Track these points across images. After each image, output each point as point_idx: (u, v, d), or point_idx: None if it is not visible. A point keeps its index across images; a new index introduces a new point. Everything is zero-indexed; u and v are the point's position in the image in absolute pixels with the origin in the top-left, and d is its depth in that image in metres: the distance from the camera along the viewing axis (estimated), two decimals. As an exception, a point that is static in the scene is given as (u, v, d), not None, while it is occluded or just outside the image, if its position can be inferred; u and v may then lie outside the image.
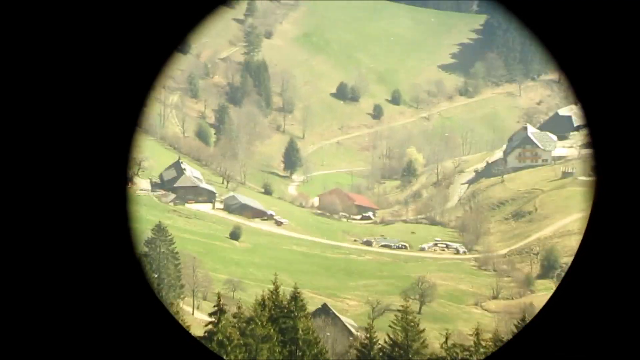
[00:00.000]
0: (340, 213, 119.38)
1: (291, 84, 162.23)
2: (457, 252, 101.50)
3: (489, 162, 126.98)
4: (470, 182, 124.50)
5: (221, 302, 30.35)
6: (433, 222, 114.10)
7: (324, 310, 64.57)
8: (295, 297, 34.01)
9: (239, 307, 32.05)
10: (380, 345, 42.24)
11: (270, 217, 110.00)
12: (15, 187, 11.01)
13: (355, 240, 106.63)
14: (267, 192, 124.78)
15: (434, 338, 46.67)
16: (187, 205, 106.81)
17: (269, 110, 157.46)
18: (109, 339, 10.89)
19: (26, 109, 11.06)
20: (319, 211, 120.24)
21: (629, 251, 11.06)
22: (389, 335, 45.02)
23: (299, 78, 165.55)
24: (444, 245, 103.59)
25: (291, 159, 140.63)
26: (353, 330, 61.65)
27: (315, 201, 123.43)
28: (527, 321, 41.58)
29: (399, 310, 45.43)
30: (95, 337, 10.89)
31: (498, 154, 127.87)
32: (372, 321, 50.60)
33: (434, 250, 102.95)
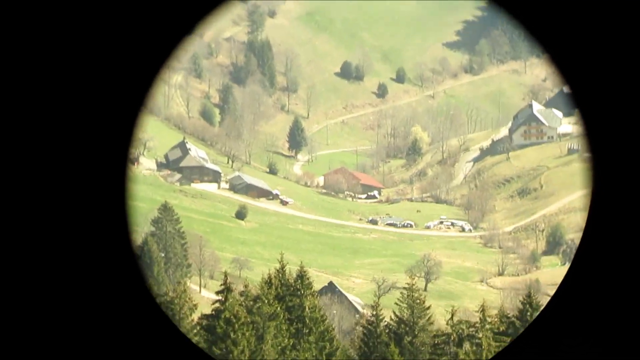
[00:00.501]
0: (346, 192, 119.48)
1: (295, 63, 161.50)
2: (463, 230, 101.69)
3: (494, 139, 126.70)
4: (476, 160, 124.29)
5: (228, 281, 30.57)
6: (438, 201, 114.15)
7: (330, 288, 64.94)
8: (302, 275, 34.22)
9: (245, 286, 32.29)
10: (386, 322, 42.51)
11: (275, 197, 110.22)
12: (20, 175, 11.06)
13: (360, 219, 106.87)
14: (272, 171, 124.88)
15: (439, 315, 46.96)
16: (192, 185, 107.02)
17: (273, 89, 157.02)
18: (103, 335, 10.98)
19: (35, 91, 11.08)
20: (324, 190, 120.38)
21: (631, 242, 11.00)
22: (394, 313, 45.29)
23: (302, 57, 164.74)
24: (450, 223, 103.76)
25: (296, 139, 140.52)
26: (359, 307, 62.04)
27: (321, 180, 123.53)
28: (533, 298, 41.74)
29: (404, 288, 45.62)
30: (90, 333, 10.98)
31: (503, 132, 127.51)
32: (378, 299, 50.92)
33: (440, 228, 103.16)
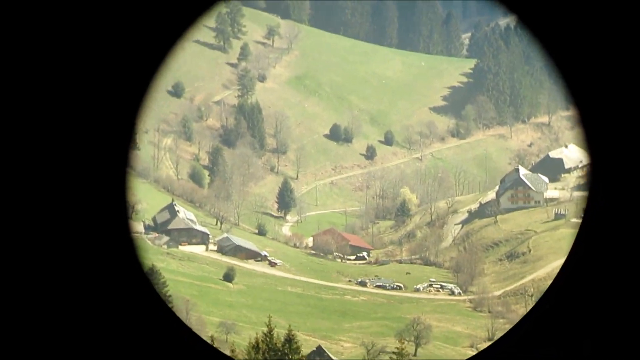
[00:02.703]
0: (335, 253, 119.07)
1: (285, 125, 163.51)
2: (452, 293, 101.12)
3: (482, 202, 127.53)
4: (464, 222, 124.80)
5: (215, 346, 30.22)
6: (427, 263, 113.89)
7: (319, 352, 64.04)
8: (290, 339, 33.86)
9: (232, 351, 31.91)
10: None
11: (264, 258, 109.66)
12: (14, 199, 11.13)
13: (349, 281, 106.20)
14: (261, 232, 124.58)
15: (430, 381, 46.33)
16: (180, 247, 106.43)
17: (263, 151, 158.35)
18: (110, 339, 10.92)
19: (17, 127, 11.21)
20: (313, 251, 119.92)
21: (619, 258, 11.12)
22: (384, 379, 44.44)
23: (292, 120, 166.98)
24: (439, 286, 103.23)
25: (285, 200, 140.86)
26: (348, 373, 60.98)
27: (310, 241, 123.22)
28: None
29: (394, 353, 45.15)
30: (99, 338, 10.93)
31: (491, 195, 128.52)
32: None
33: (429, 291, 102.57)
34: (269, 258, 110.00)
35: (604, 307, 10.93)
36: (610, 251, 11.17)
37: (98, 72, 11.20)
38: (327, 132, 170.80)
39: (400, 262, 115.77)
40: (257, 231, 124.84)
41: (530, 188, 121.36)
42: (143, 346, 11.05)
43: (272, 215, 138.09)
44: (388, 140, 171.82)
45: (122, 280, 11.21)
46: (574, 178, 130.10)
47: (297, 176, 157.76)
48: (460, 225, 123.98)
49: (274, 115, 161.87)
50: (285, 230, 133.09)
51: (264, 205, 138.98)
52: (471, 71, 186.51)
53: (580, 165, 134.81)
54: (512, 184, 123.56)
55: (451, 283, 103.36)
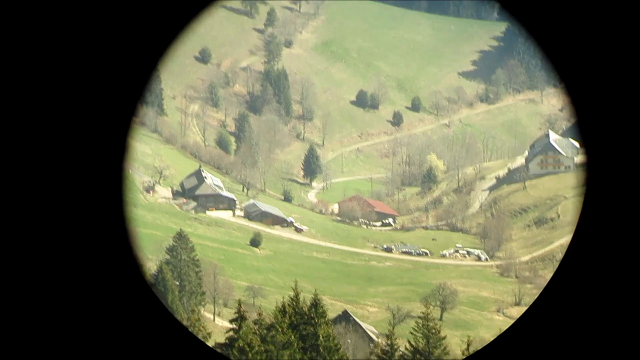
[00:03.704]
0: (360, 220, 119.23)
1: (311, 92, 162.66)
2: (479, 259, 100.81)
3: (511, 168, 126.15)
4: (492, 188, 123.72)
5: (242, 309, 30.50)
6: (454, 229, 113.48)
7: (345, 316, 64.49)
8: (316, 303, 34.03)
9: (259, 314, 32.19)
10: (401, 352, 41.97)
11: (290, 224, 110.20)
12: (15, 191, 11.16)
13: (375, 247, 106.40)
14: (287, 199, 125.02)
15: (455, 345, 46.41)
16: (207, 212, 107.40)
17: (289, 118, 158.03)
18: (111, 341, 10.98)
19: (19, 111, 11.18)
20: (339, 218, 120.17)
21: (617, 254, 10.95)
22: (409, 342, 44.74)
23: (318, 86, 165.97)
24: (465, 252, 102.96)
25: (311, 166, 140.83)
26: (374, 336, 61.49)
27: (335, 208, 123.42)
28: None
29: (419, 317, 45.17)
30: (100, 340, 11.00)
31: (520, 161, 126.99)
32: (393, 328, 50.38)
33: (455, 257, 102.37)
34: (295, 224, 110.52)
35: (602, 306, 10.65)
36: (607, 249, 10.89)
37: (98, 68, 11.07)
38: (353, 98, 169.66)
39: (426, 228, 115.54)
40: (283, 197, 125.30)
41: (560, 153, 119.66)
42: (138, 343, 11.04)
43: (298, 182, 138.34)
44: (415, 107, 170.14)
45: (119, 278, 11.20)
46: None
47: (323, 143, 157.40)
48: (488, 192, 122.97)
49: (300, 82, 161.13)
50: (311, 196, 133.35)
51: (290, 172, 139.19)
52: (502, 35, 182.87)
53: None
54: (542, 149, 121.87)
55: (478, 249, 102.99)
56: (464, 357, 38.52)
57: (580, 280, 11.05)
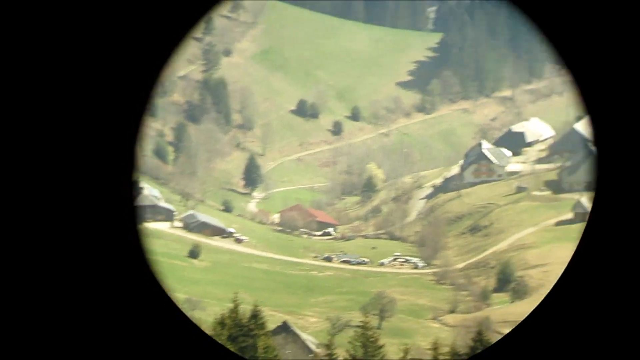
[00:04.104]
0: (301, 229, 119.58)
1: (250, 101, 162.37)
2: (416, 267, 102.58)
3: (447, 177, 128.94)
4: (429, 197, 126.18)
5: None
6: (393, 237, 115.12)
7: (284, 327, 64.57)
8: (255, 315, 34.07)
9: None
10: (339, 362, 42.22)
11: (230, 235, 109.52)
12: (16, 191, 11.03)
13: (315, 257, 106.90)
14: (227, 209, 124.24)
15: (393, 353, 47.18)
16: (145, 224, 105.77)
17: (229, 127, 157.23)
18: (113, 337, 10.93)
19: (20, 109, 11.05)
20: (279, 228, 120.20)
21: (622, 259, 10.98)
22: (348, 352, 45.24)
23: (258, 95, 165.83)
24: (403, 260, 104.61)
25: (251, 176, 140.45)
26: (313, 347, 61.76)
27: (276, 218, 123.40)
28: (483, 336, 42.35)
29: (358, 326, 45.84)
30: (102, 336, 10.93)
31: (455, 170, 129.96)
32: (332, 337, 50.83)
33: (394, 265, 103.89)
34: (235, 234, 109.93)
35: (607, 308, 10.86)
36: (615, 251, 11.08)
37: (101, 68, 11.09)
38: (293, 107, 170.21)
39: (366, 237, 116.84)
40: (223, 208, 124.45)
41: (492, 162, 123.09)
42: (146, 340, 11.06)
43: (238, 192, 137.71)
44: (355, 116, 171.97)
45: (126, 274, 11.20)
46: (535, 151, 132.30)
47: (264, 152, 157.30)
48: (425, 200, 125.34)
49: (240, 91, 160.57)
50: (252, 206, 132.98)
51: (230, 182, 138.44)
52: (437, 45, 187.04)
53: (541, 139, 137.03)
54: (475, 158, 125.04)
55: (415, 257, 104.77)
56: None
57: (587, 282, 11.16)
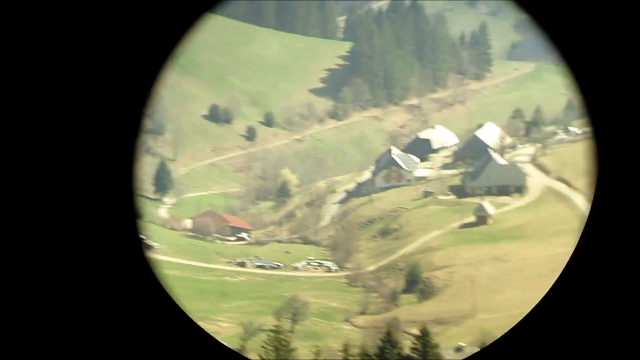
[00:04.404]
0: (214, 235, 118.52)
1: (160, 105, 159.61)
2: (329, 270, 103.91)
3: (359, 182, 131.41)
4: (342, 201, 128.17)
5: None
6: (306, 242, 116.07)
7: (197, 334, 63.83)
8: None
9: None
10: (250, 366, 42.30)
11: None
12: (18, 194, 10.73)
13: (229, 262, 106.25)
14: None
15: (305, 356, 47.75)
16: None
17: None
18: (114, 337, 10.74)
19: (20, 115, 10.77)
20: (192, 233, 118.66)
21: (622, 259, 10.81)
22: (260, 356, 45.42)
23: (168, 100, 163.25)
24: (317, 264, 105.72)
25: (162, 182, 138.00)
26: (226, 352, 61.42)
27: (189, 223, 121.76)
28: (392, 336, 43.60)
29: (271, 330, 46.16)
30: (104, 336, 10.73)
31: (367, 175, 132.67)
32: (245, 342, 50.85)
33: (307, 269, 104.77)
34: (145, 241, 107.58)
35: (606, 309, 10.69)
36: (613, 252, 10.93)
37: (100, 73, 10.94)
38: (205, 112, 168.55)
39: (280, 241, 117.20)
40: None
41: (402, 167, 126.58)
42: (148, 341, 10.93)
43: (148, 198, 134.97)
44: (268, 122, 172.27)
45: (127, 277, 11.05)
46: (440, 157, 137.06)
47: (175, 157, 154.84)
48: (339, 205, 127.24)
49: (156, 94, 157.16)
50: (163, 212, 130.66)
51: (140, 188, 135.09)
52: (347, 54, 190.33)
53: (445, 146, 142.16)
54: (385, 164, 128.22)
55: (328, 260, 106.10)
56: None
57: (586, 282, 11.19)
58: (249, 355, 47.81)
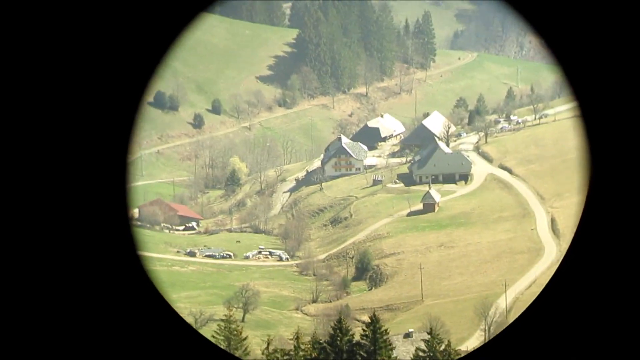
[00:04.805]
0: (162, 224, 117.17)
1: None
2: (280, 259, 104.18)
3: (309, 170, 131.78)
4: (292, 190, 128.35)
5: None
6: (257, 231, 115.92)
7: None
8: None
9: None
10: (203, 357, 42.13)
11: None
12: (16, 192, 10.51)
13: (178, 252, 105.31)
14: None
15: (256, 345, 47.94)
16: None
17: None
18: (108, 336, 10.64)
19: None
20: (139, 223, 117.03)
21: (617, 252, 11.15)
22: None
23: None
24: (268, 253, 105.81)
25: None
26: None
27: (135, 212, 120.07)
28: (343, 324, 44.19)
29: (222, 320, 46.13)
30: (96, 335, 10.61)
31: (317, 163, 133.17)
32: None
33: (258, 258, 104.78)
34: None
35: (599, 308, 10.94)
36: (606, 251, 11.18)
37: (95, 73, 10.77)
38: (150, 99, 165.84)
39: (230, 230, 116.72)
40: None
41: (351, 156, 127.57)
42: (140, 339, 10.84)
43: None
44: (216, 109, 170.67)
45: (120, 274, 10.91)
46: (389, 146, 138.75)
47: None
48: (289, 193, 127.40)
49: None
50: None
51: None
52: (294, 41, 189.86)
53: (393, 134, 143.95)
54: (335, 152, 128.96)
55: (279, 249, 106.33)
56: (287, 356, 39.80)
57: (581, 277, 11.25)
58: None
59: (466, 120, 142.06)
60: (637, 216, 11.55)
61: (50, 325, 10.90)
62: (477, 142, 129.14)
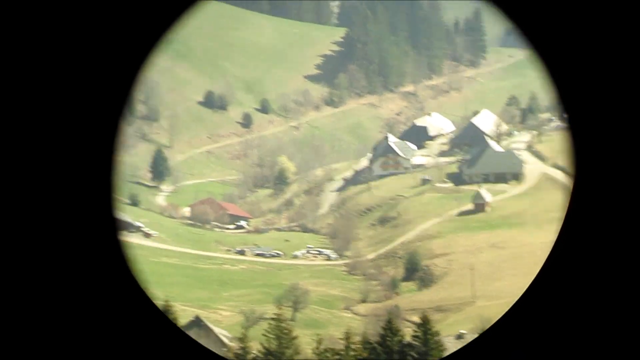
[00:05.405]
0: (213, 223, 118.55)
1: (155, 91, 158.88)
2: (329, 258, 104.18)
3: (356, 170, 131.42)
4: (340, 189, 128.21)
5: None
6: (305, 230, 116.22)
7: (196, 322, 64.15)
8: (166, 311, 33.79)
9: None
10: (253, 355, 42.66)
11: (137, 229, 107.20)
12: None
13: (228, 250, 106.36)
14: (134, 203, 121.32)
15: (306, 344, 47.95)
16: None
17: (133, 118, 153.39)
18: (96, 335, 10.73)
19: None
20: (190, 221, 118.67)
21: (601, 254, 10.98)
22: (262, 344, 45.62)
23: (163, 85, 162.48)
24: (316, 252, 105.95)
25: (159, 169, 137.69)
26: (226, 341, 61.76)
27: (187, 211, 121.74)
28: (392, 324, 43.76)
29: (272, 319, 46.33)
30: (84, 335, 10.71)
31: (364, 163, 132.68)
32: (246, 331, 51.03)
33: (307, 257, 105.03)
34: (143, 229, 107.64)
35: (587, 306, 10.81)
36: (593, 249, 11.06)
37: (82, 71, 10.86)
38: (200, 99, 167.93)
39: (279, 229, 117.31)
40: (129, 202, 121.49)
41: (399, 155, 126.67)
42: (129, 342, 10.90)
43: (145, 185, 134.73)
44: (264, 108, 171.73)
45: (108, 277, 11.00)
46: (437, 145, 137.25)
47: (171, 144, 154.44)
48: (337, 192, 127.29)
49: (143, 80, 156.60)
50: (160, 200, 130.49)
51: (136, 175, 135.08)
52: (342, 40, 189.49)
53: (442, 133, 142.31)
54: (382, 151, 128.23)
55: (328, 248, 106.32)
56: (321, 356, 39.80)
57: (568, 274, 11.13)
58: (250, 344, 47.85)
59: (518, 119, 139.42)
60: (626, 207, 10.99)
61: (29, 321, 10.84)
62: (530, 141, 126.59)
